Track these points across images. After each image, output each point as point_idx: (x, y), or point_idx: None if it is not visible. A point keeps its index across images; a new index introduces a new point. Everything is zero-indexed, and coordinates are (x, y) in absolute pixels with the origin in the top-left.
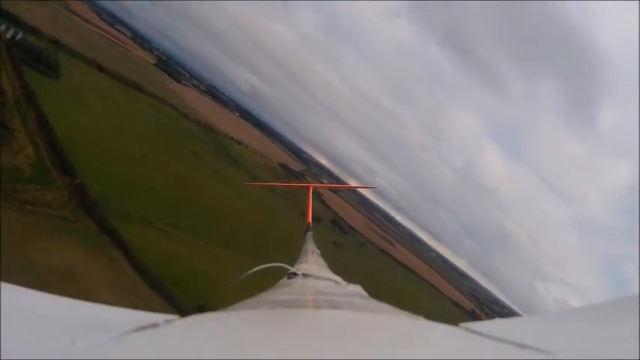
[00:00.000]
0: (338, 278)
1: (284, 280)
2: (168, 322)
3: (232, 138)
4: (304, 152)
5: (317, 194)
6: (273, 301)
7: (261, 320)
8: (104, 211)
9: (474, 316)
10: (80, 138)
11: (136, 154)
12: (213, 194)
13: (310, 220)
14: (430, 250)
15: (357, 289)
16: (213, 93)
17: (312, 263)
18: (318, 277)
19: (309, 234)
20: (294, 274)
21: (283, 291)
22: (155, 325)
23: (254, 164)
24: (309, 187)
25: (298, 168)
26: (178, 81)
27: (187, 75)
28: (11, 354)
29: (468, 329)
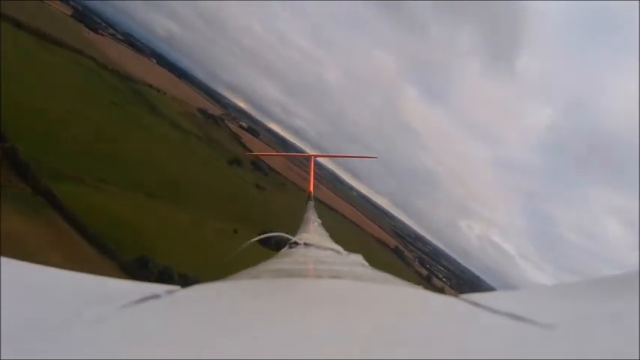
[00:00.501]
0: (339, 248)
1: (285, 249)
2: (169, 292)
3: (151, 86)
4: (223, 97)
5: (235, 136)
6: (275, 270)
7: (263, 289)
8: (36, 172)
9: (398, 253)
10: (5, 100)
11: (60, 111)
12: (136, 144)
13: (312, 189)
14: (351, 189)
15: (358, 258)
16: (130, 41)
17: (314, 232)
18: (319, 247)
19: (311, 203)
20: (296, 243)
21: (285, 260)
22: (157, 296)
23: (173, 111)
24: (310, 156)
25: (217, 113)
26: (95, 31)
27: (103, 24)
28: (11, 354)
29: (467, 300)
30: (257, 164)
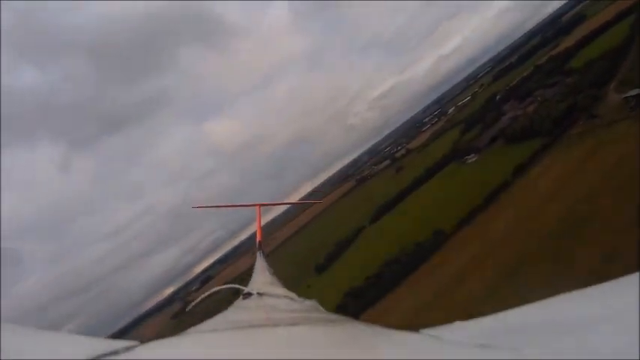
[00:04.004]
0: (293, 295)
1: (239, 300)
2: (128, 349)
3: None
4: None
5: None
6: (232, 322)
7: (221, 342)
8: None
9: None
10: None
11: None
12: None
13: (260, 239)
14: None
15: (313, 304)
16: None
17: (266, 281)
18: (273, 295)
19: (261, 253)
20: (249, 293)
21: (240, 311)
22: (115, 352)
23: None
24: (257, 206)
25: None
26: None
27: None
28: (11, 354)
29: (428, 335)
30: None
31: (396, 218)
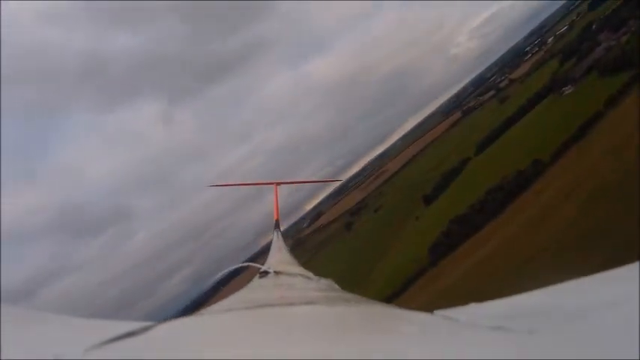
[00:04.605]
0: (309, 273)
1: (256, 278)
2: (145, 329)
3: None
4: None
5: None
6: (248, 301)
7: (238, 321)
8: None
9: None
10: None
11: None
12: None
13: (278, 217)
14: None
15: (329, 283)
16: None
17: (283, 260)
18: (289, 274)
19: (277, 231)
20: (266, 272)
21: (257, 290)
22: (133, 333)
23: None
24: (274, 184)
25: None
26: None
27: None
28: (11, 354)
29: (443, 316)
30: None
31: (499, 149)
